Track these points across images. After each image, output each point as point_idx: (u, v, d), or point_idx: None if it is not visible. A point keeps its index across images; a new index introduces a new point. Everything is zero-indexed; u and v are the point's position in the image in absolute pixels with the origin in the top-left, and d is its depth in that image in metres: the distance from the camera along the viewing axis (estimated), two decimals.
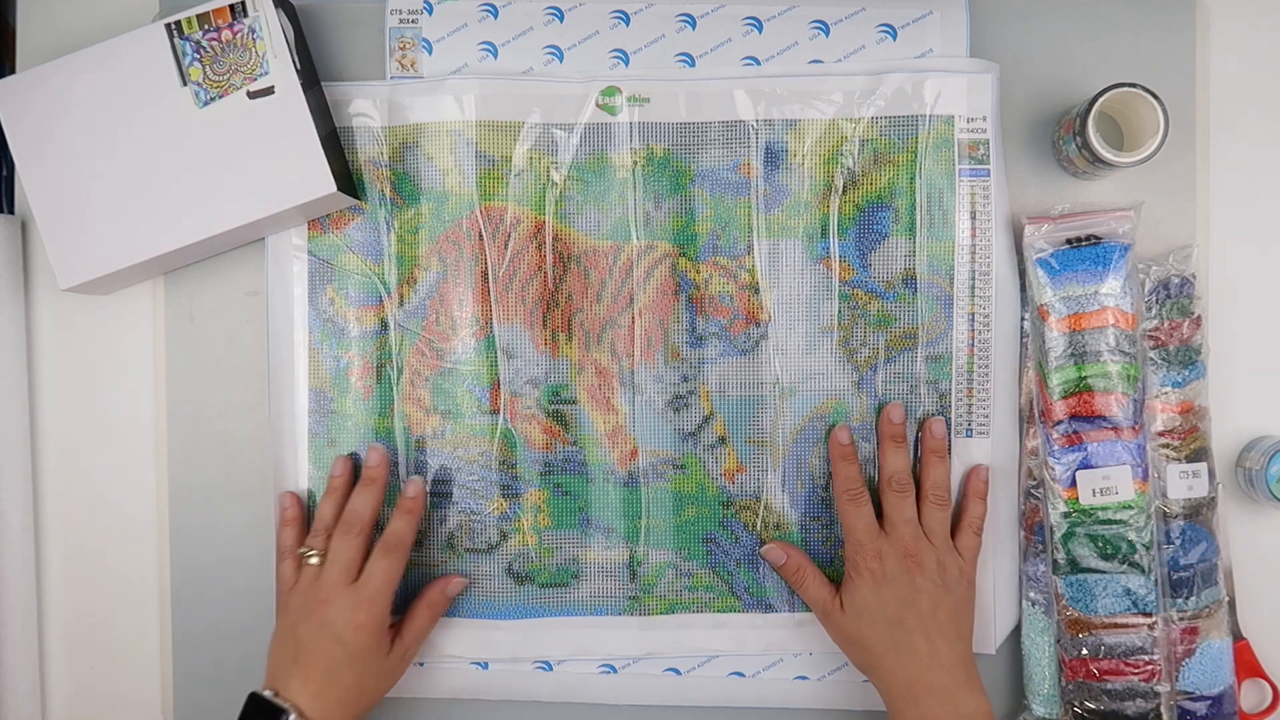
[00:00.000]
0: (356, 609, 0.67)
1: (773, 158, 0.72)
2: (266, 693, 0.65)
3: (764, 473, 0.73)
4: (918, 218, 0.72)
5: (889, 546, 0.68)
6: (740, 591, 0.73)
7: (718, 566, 0.73)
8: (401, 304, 0.73)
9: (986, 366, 0.72)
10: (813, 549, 0.73)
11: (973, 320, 0.72)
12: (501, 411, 0.73)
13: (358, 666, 0.67)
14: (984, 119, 0.71)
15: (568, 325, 0.73)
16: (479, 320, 0.73)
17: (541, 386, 0.73)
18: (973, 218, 0.72)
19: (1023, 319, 0.72)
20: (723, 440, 0.73)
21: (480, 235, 0.72)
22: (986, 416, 0.72)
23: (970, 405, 0.72)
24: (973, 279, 0.72)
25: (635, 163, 0.73)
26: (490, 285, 0.72)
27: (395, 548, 0.69)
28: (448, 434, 0.73)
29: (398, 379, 0.73)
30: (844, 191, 0.72)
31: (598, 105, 0.72)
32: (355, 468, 0.73)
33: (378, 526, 0.71)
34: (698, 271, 0.73)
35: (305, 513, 0.73)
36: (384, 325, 0.74)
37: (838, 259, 0.72)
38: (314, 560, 0.69)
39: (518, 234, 0.72)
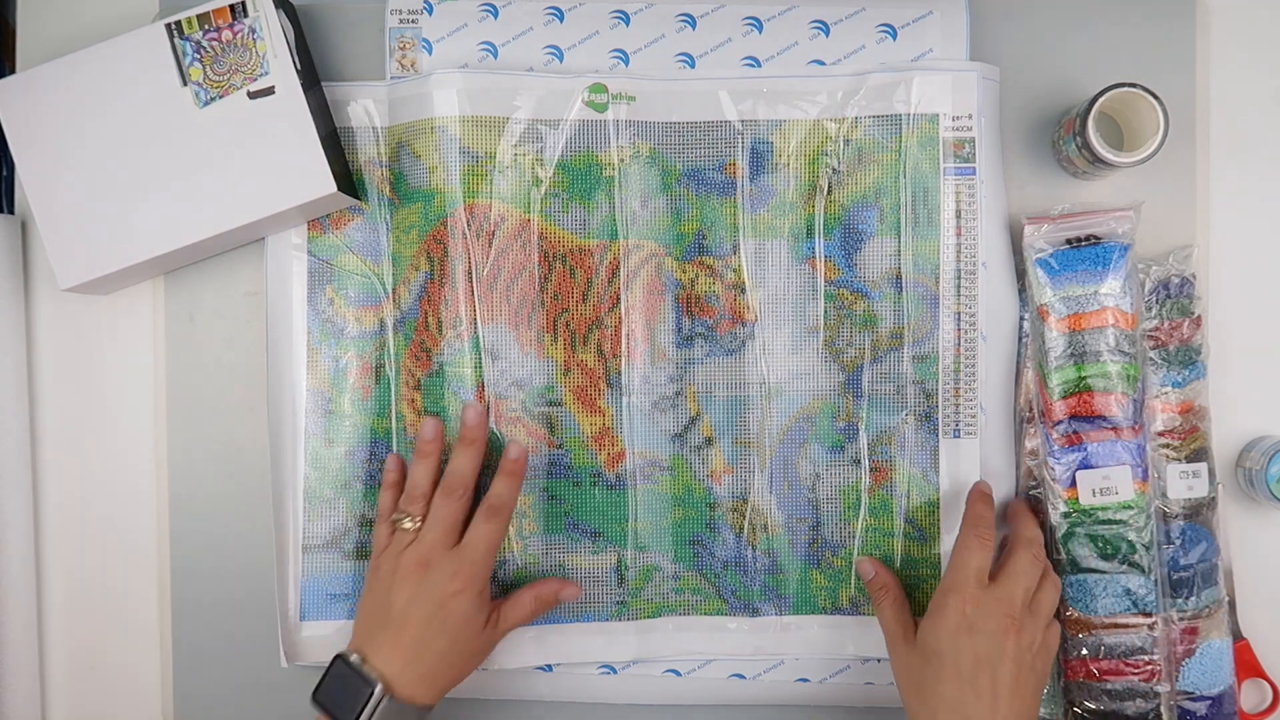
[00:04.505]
0: (457, 575, 0.65)
1: (758, 158, 0.72)
2: (354, 658, 0.63)
3: (751, 474, 0.73)
4: (903, 216, 0.71)
5: (992, 599, 0.63)
6: (727, 594, 0.73)
7: (705, 569, 0.73)
8: (398, 305, 0.73)
9: (973, 366, 0.72)
10: (799, 551, 0.73)
11: (959, 319, 0.71)
12: (487, 415, 0.73)
13: (450, 635, 0.65)
14: (969, 116, 0.71)
15: (553, 325, 0.72)
16: (464, 320, 0.72)
17: (527, 388, 0.72)
18: (958, 216, 0.71)
19: (1022, 319, 0.72)
20: (709, 441, 0.73)
21: (463, 234, 0.72)
22: (974, 417, 0.72)
23: (958, 405, 0.72)
24: (959, 278, 0.71)
25: (622, 161, 0.72)
26: (474, 285, 0.72)
27: (499, 511, 0.67)
28: None
29: (396, 380, 0.73)
30: (829, 191, 0.72)
31: (584, 102, 0.72)
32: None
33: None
34: (684, 271, 0.73)
35: (404, 477, 0.71)
36: (383, 326, 0.74)
37: (823, 259, 0.72)
38: (408, 525, 0.67)
39: (502, 232, 0.72)
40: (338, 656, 0.64)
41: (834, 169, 0.72)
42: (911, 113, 0.71)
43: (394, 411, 0.73)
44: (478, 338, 0.72)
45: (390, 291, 0.73)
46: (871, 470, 0.72)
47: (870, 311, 0.72)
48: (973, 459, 0.72)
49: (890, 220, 0.71)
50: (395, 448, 0.73)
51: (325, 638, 0.73)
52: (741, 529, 0.73)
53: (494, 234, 0.72)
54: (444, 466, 0.70)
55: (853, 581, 0.73)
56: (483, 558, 0.66)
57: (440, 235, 0.72)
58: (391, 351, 0.73)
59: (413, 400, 0.73)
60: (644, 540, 0.73)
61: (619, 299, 0.72)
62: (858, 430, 0.72)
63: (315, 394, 0.74)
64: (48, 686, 0.77)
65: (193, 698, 0.76)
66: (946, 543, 0.71)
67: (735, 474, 0.73)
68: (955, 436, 0.72)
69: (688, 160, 0.73)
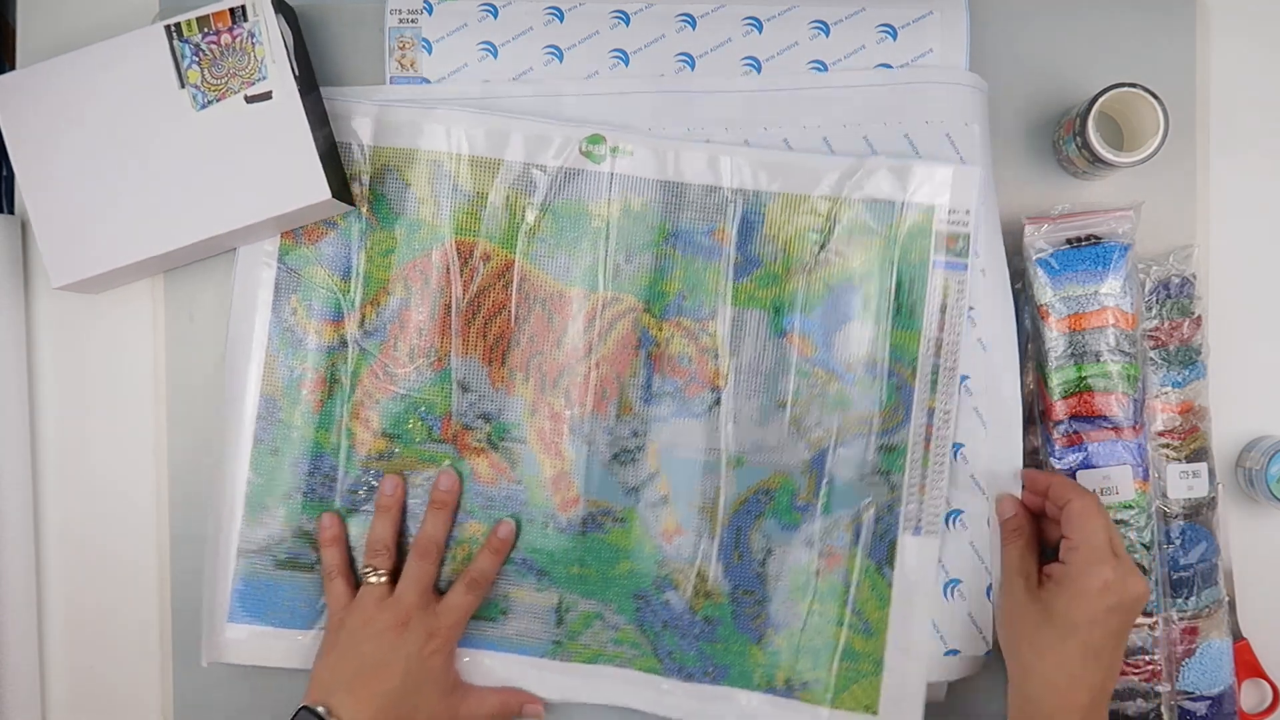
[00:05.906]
0: (434, 635, 0.68)
1: (748, 227, 0.71)
2: (320, 709, 0.64)
3: (701, 538, 0.72)
4: (886, 304, 0.70)
5: (1134, 577, 0.63)
6: (663, 654, 0.72)
7: (645, 625, 0.72)
8: (362, 324, 0.73)
9: (942, 464, 0.70)
10: (741, 624, 0.71)
11: (931, 415, 0.70)
12: (451, 441, 0.73)
13: (417, 696, 0.67)
14: (967, 212, 0.70)
15: (525, 366, 0.72)
16: (437, 351, 0.72)
17: (493, 422, 0.73)
18: (943, 311, 0.70)
19: (1023, 319, 0.72)
20: (665, 499, 0.72)
21: (448, 268, 0.72)
22: (937, 516, 0.70)
23: (922, 501, 0.70)
24: (935, 373, 0.70)
25: (611, 213, 0.72)
26: (452, 318, 0.72)
27: (479, 584, 0.71)
28: (395, 457, 0.73)
29: (349, 397, 0.73)
30: (815, 269, 0.71)
31: (581, 152, 0.72)
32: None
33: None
34: (660, 329, 0.72)
35: (345, 531, 0.73)
36: (342, 342, 0.73)
37: (800, 335, 0.71)
38: (374, 580, 0.70)
39: (486, 270, 0.72)
40: (302, 707, 0.64)
41: (821, 246, 0.71)
42: (907, 200, 0.70)
43: (342, 427, 0.73)
44: (449, 369, 0.72)
45: (355, 309, 0.73)
46: (825, 554, 0.71)
47: (842, 394, 0.71)
48: (930, 559, 0.70)
49: (873, 306, 0.70)
50: (341, 463, 0.73)
51: (246, 642, 0.73)
52: (686, 592, 0.72)
53: (476, 271, 0.72)
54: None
55: (793, 664, 0.71)
56: (457, 623, 0.70)
57: (423, 266, 0.72)
58: (349, 368, 0.73)
59: (368, 420, 0.73)
60: (588, 586, 0.72)
61: (591, 348, 0.72)
62: (815, 511, 0.71)
63: (267, 400, 0.73)
64: (47, 685, 0.77)
65: (192, 697, 0.76)
66: (893, 640, 0.69)
67: (686, 536, 0.72)
68: (916, 533, 0.70)
69: (677, 221, 0.72)
